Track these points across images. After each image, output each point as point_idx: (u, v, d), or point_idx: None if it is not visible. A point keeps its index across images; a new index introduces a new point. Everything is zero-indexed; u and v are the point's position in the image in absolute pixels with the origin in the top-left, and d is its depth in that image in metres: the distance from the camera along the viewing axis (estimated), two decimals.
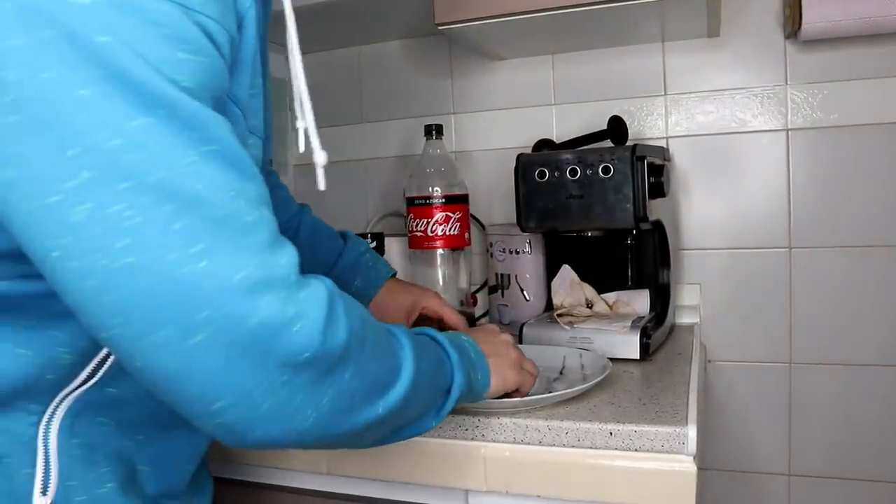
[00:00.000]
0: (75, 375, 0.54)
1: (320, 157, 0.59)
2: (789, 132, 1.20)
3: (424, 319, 0.90)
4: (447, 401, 0.62)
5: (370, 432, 0.54)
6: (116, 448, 0.57)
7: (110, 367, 0.54)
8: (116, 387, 0.54)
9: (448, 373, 0.62)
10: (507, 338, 0.75)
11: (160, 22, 0.40)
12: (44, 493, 0.51)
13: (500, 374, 0.69)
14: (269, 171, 0.96)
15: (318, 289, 0.47)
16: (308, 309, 0.45)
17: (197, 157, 0.41)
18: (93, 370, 0.54)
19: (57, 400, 0.53)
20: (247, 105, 0.53)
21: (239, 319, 0.41)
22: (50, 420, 0.52)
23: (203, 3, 0.43)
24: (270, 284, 0.43)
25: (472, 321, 1.20)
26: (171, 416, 0.55)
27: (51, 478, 0.51)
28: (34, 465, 0.51)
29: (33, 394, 0.52)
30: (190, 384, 0.43)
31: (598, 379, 0.80)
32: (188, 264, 0.40)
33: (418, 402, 0.57)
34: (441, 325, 0.89)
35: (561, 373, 0.89)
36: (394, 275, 0.94)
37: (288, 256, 0.46)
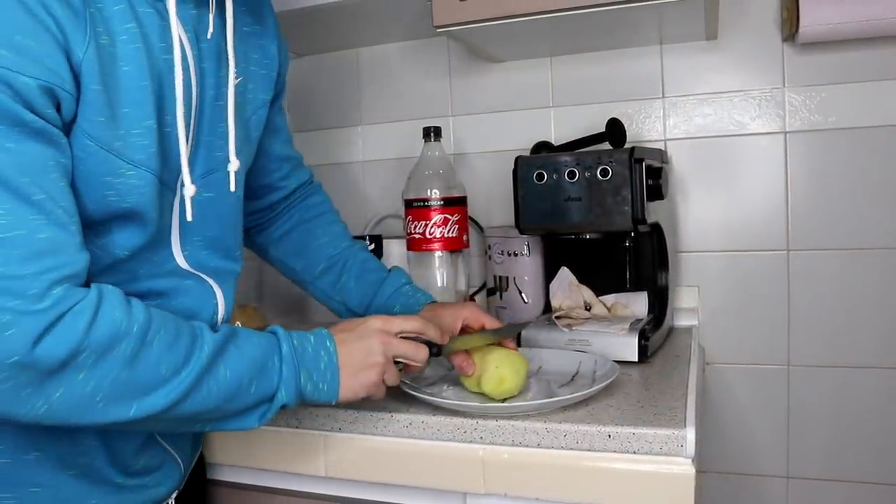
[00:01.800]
0: None
1: (189, 191, 0.70)
2: (787, 135, 1.20)
3: (468, 330, 0.91)
4: (270, 408, 0.68)
5: (142, 425, 0.60)
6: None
7: None
8: None
9: (272, 384, 0.67)
10: (377, 345, 0.73)
11: None
12: None
13: (350, 387, 0.71)
14: (323, 212, 1.03)
15: (69, 303, 0.55)
16: (28, 319, 0.52)
17: None
18: None
19: None
20: (127, 141, 0.63)
21: None
22: None
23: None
24: (2, 291, 0.52)
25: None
26: None
27: None
28: None
29: None
30: None
31: (600, 387, 0.80)
32: None
33: (211, 405, 0.63)
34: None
35: (573, 378, 0.89)
36: (433, 301, 0.97)
37: (42, 269, 0.54)
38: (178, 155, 0.68)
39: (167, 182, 0.69)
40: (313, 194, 1.04)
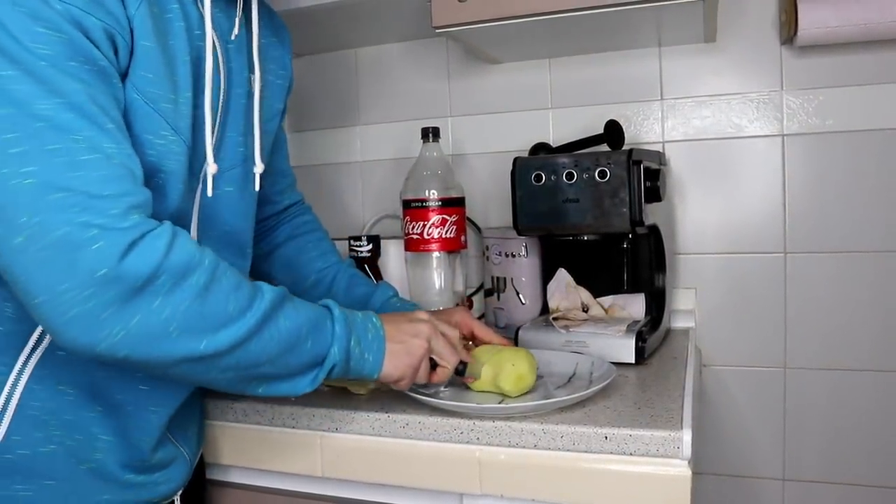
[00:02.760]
0: (27, 333, 0.64)
1: (212, 169, 0.72)
2: (784, 138, 1.20)
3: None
4: (322, 369, 0.69)
5: (206, 369, 0.61)
6: (76, 417, 0.67)
7: None
8: (63, 348, 0.59)
9: (327, 340, 0.68)
10: (425, 329, 0.76)
11: (22, 4, 0.54)
12: None
13: (394, 364, 0.73)
14: (313, 230, 1.05)
15: (147, 227, 0.56)
16: (113, 235, 0.54)
17: (50, 105, 0.54)
18: (41, 331, 0.64)
19: (21, 360, 0.64)
20: (176, 106, 0.66)
21: (46, 229, 0.52)
22: (17, 381, 0.64)
23: None
24: (86, 208, 0.53)
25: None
26: (122, 387, 0.69)
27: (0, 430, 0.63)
28: None
29: None
30: (19, 279, 0.54)
31: (597, 388, 0.80)
32: (16, 179, 0.52)
33: (272, 353, 0.64)
34: (473, 338, 0.91)
35: (569, 380, 0.89)
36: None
37: (120, 192, 0.55)
38: (204, 141, 0.71)
39: (192, 166, 0.70)
40: (304, 213, 1.07)
